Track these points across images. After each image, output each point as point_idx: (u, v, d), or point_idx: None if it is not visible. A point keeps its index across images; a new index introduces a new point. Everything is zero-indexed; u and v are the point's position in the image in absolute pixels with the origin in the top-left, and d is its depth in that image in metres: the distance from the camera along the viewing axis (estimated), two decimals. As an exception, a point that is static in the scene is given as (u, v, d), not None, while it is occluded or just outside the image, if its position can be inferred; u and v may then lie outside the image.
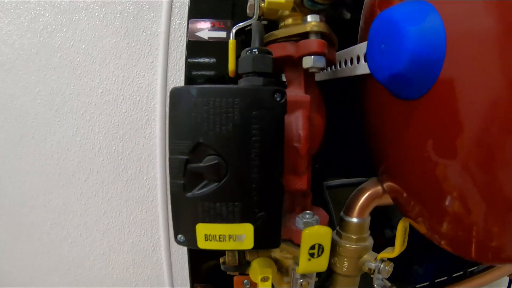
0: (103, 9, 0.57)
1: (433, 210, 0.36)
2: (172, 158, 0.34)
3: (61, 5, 0.57)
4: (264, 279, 0.43)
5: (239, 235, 0.34)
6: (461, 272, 0.70)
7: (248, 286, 0.58)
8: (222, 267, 0.46)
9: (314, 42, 0.37)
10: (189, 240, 0.35)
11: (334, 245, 0.47)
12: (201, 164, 0.32)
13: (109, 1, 0.57)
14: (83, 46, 0.58)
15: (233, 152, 0.32)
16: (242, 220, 0.33)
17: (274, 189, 0.33)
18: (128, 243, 0.62)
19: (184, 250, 0.61)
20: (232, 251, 0.48)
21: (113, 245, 0.62)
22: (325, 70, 0.49)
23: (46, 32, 0.58)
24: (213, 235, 0.34)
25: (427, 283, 0.69)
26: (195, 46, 0.54)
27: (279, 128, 0.32)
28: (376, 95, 0.39)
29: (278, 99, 0.32)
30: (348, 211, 0.47)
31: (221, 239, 0.34)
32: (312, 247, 0.37)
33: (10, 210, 0.65)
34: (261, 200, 0.33)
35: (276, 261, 0.46)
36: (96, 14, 0.57)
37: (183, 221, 0.34)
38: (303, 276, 0.43)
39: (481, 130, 0.28)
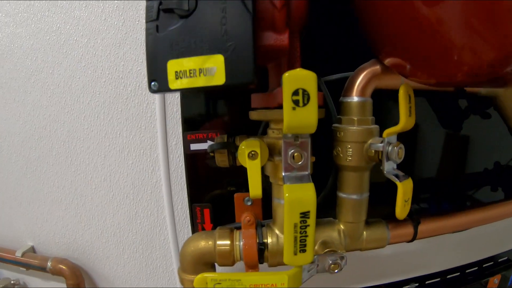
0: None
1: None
2: (148, 3, 0.34)
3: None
4: (252, 157, 0.40)
5: (209, 68, 0.33)
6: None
7: (249, 204, 0.55)
8: (208, 149, 0.44)
9: None
10: (161, 84, 0.34)
11: (335, 133, 0.45)
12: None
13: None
14: None
15: (202, -18, 0.32)
16: (212, 50, 0.32)
17: (242, 17, 0.32)
18: (127, 165, 0.61)
19: (182, 170, 0.59)
20: (221, 136, 0.46)
21: (113, 169, 0.62)
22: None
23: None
24: (183, 71, 0.33)
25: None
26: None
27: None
28: None
29: None
30: (347, 92, 0.45)
31: (191, 75, 0.33)
32: (296, 93, 0.34)
33: (20, 146, 0.67)
34: (231, 29, 0.32)
35: (269, 146, 0.43)
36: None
37: (156, 64, 0.34)
38: (294, 146, 0.40)
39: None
